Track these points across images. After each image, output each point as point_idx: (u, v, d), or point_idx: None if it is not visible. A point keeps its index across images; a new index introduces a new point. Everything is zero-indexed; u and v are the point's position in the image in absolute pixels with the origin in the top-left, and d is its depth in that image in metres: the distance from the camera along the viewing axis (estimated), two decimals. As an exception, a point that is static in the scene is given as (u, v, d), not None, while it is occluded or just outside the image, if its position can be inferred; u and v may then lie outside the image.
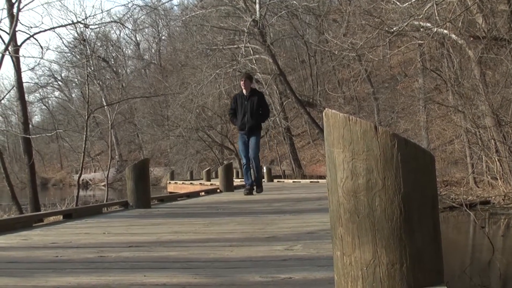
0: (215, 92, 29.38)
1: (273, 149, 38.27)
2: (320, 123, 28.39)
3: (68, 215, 5.85)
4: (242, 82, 10.16)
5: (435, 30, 15.66)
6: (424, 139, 25.74)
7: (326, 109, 1.73)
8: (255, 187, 10.43)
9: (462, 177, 18.39)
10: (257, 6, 25.70)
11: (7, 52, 11.56)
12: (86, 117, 13.85)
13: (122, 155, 51.86)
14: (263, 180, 13.06)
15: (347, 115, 1.65)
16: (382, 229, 1.58)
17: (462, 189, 16.17)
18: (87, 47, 18.70)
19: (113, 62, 57.25)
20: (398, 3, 15.91)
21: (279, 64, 27.52)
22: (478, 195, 16.19)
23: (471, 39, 16.82)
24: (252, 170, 10.25)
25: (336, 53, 24.30)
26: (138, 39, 61.25)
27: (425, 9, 14.98)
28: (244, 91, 10.02)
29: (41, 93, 63.70)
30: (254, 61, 27.85)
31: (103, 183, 35.46)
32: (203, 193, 11.21)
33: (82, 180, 24.20)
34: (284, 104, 32.94)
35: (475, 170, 17.70)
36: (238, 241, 3.61)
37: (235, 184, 13.46)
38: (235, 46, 27.69)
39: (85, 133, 13.92)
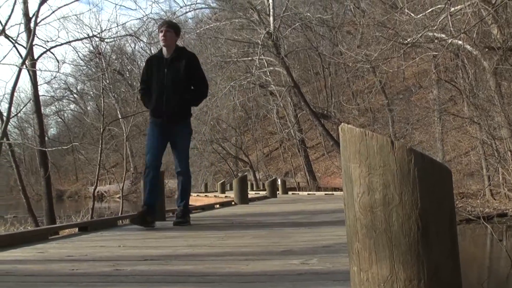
0: (230, 104, 29.50)
1: (288, 161, 38.26)
2: (335, 135, 28.36)
3: (84, 228, 5.87)
4: (161, 34, 6.26)
5: (450, 41, 15.62)
6: (439, 151, 25.60)
7: (342, 124, 1.73)
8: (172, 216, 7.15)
9: (478, 189, 18.27)
10: (271, 18, 25.77)
11: (24, 66, 11.66)
12: (101, 130, 13.92)
13: (137, 167, 52.03)
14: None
15: (363, 130, 1.64)
16: (399, 244, 1.56)
17: (478, 201, 16.09)
18: (103, 60, 18.80)
19: (128, 75, 57.57)
20: (412, 14, 15.90)
21: (293, 76, 27.54)
22: (495, 208, 16.07)
23: (486, 49, 16.76)
24: (154, 187, 6.22)
25: (350, 65, 24.32)
26: (153, 51, 61.56)
27: (440, 20, 14.95)
28: (164, 50, 6.32)
29: (57, 106, 64.26)
30: (268, 73, 27.92)
31: (118, 195, 35.57)
32: (218, 206, 11.18)
33: (97, 192, 24.30)
34: (298, 116, 32.96)
35: (492, 182, 17.58)
36: (253, 254, 3.60)
37: (250, 196, 13.45)
38: (249, 58, 27.75)
39: (100, 146, 13.98)
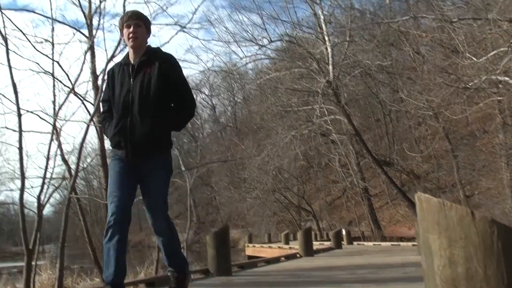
0: (291, 153, 29.50)
1: (351, 209, 37.79)
2: (398, 183, 27.92)
3: (151, 284, 5.91)
4: (128, 31, 4.43)
5: (515, 84, 15.30)
6: (508, 198, 24.78)
7: (419, 193, 1.70)
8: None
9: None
10: (330, 67, 25.84)
11: (91, 122, 12.01)
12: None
13: (200, 217, 52.40)
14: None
15: (441, 200, 1.61)
16: (486, 321, 1.50)
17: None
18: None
19: (190, 126, 58.62)
20: (473, 58, 15.67)
21: (354, 124, 27.41)
22: None
23: (554, 92, 16.33)
24: (121, 254, 4.18)
25: (412, 112, 24.06)
26: (214, 102, 62.75)
27: (503, 63, 14.68)
28: (131, 53, 4.52)
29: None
30: (329, 121, 27.87)
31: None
32: (283, 259, 11.09)
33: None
34: (360, 164, 32.67)
35: None
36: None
37: (314, 247, 13.29)
38: (309, 107, 27.81)
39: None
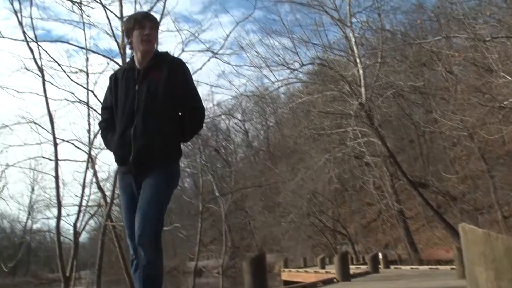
0: (325, 177, 29.37)
1: (387, 232, 37.35)
2: (434, 205, 27.52)
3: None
4: (143, 33, 4.00)
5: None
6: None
7: (463, 223, 1.66)
8: None
9: None
10: (363, 89, 25.75)
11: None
12: (200, 208, 14.17)
13: (234, 242, 52.30)
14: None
15: (486, 231, 1.57)
16: None
17: None
18: (200, 139, 19.34)
19: (223, 151, 58.85)
20: (508, 77, 15.50)
21: (388, 146, 27.19)
22: None
23: None
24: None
25: (446, 132, 23.81)
26: (246, 127, 62.97)
27: (538, 81, 14.50)
28: (138, 56, 4.07)
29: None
30: (362, 144, 27.71)
31: (216, 270, 35.81)
32: (320, 283, 10.97)
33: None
34: (395, 186, 32.33)
35: None
36: None
37: (351, 272, 13.13)
38: (342, 129, 27.71)
39: (200, 224, 14.20)
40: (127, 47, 4.18)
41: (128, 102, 3.93)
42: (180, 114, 4.00)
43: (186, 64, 4.19)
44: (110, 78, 4.24)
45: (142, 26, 4.01)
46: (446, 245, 29.75)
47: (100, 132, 4.44)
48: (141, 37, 3.99)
